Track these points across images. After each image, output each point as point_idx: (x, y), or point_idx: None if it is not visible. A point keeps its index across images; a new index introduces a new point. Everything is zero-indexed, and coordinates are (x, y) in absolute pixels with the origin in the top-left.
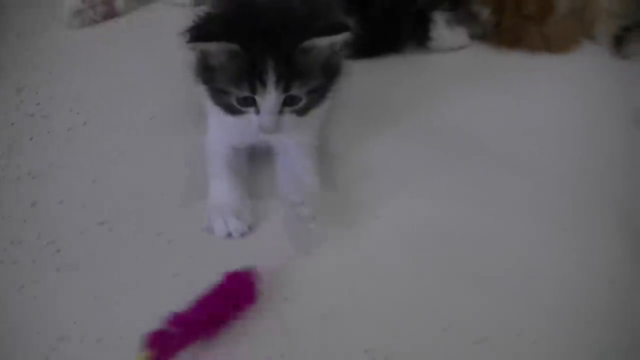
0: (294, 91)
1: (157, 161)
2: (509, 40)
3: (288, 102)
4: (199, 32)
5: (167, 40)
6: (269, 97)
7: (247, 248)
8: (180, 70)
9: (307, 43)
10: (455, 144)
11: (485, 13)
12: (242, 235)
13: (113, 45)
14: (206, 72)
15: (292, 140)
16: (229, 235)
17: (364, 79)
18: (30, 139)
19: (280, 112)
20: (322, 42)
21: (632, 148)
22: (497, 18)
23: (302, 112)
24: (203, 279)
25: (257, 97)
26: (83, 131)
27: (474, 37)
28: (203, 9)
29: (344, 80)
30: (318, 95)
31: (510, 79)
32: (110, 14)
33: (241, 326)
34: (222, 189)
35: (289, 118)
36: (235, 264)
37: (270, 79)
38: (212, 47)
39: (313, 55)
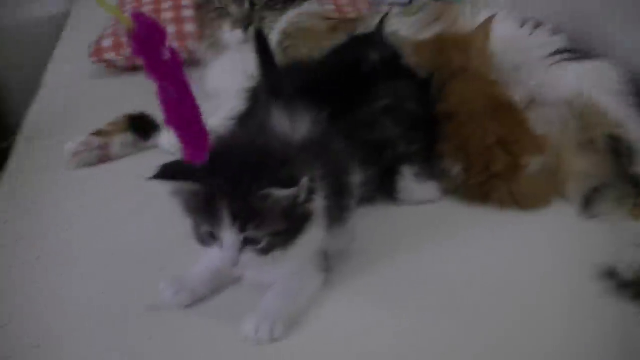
0: (250, 233)
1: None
2: (478, 196)
3: (248, 241)
4: (161, 171)
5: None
6: (226, 235)
7: None
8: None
9: (263, 192)
10: (413, 293)
11: (455, 169)
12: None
13: (97, 187)
14: (182, 205)
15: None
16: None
17: None
18: None
19: (243, 249)
20: (279, 194)
21: (579, 300)
22: (466, 175)
23: (264, 252)
24: None
25: (217, 234)
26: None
27: (446, 191)
28: None
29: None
30: (282, 238)
31: (474, 233)
32: (105, 157)
33: None
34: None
35: (251, 256)
36: None
37: (225, 219)
38: (172, 185)
39: (271, 202)
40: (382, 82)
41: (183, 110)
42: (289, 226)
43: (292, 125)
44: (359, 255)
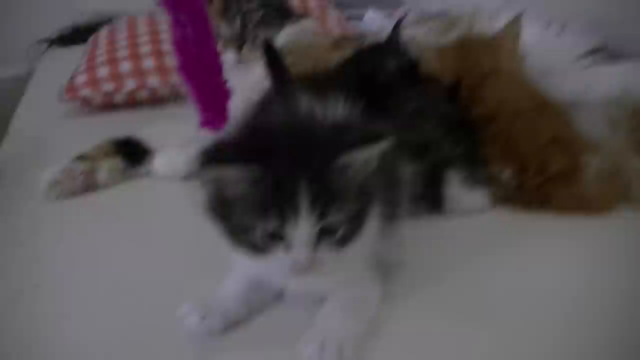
0: (332, 216)
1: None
2: (536, 201)
3: (324, 232)
4: (211, 157)
5: (146, 214)
6: (303, 225)
7: None
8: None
9: (346, 157)
10: (474, 306)
11: (505, 174)
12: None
13: (85, 219)
14: (222, 208)
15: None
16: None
17: None
18: None
19: (316, 245)
20: (361, 155)
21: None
22: (520, 179)
23: (341, 244)
24: None
25: (287, 229)
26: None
27: (495, 199)
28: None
29: None
30: (355, 223)
31: (531, 242)
32: (91, 186)
33: None
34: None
35: (326, 253)
36: None
37: (303, 202)
38: (229, 172)
39: (350, 173)
40: (403, 90)
41: (201, 55)
42: (361, 206)
43: (326, 110)
44: (413, 270)
